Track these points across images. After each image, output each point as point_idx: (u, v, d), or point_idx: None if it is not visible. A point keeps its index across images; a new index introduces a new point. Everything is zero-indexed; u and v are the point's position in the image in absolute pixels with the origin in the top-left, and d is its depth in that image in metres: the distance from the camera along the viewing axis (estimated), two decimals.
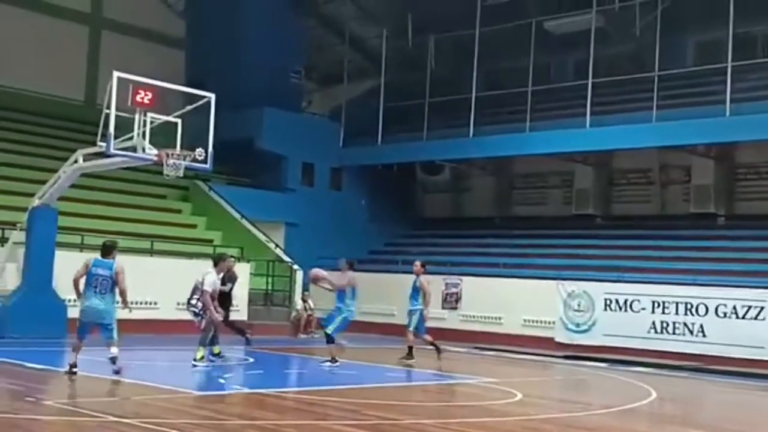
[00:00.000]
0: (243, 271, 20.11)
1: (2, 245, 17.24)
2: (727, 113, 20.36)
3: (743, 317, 17.69)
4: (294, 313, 21.67)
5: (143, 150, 14.03)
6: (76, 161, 15.60)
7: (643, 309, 19.01)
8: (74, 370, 10.65)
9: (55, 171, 16.43)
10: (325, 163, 27.21)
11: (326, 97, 30.74)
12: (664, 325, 18.63)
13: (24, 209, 16.96)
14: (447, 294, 22.41)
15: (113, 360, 10.71)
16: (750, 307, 17.63)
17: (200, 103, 14.67)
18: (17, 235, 17.05)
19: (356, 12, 29.68)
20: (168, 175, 14.34)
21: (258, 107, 25.58)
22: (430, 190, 29.72)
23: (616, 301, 19.40)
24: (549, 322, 20.36)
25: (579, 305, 19.98)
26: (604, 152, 24.02)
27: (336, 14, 29.87)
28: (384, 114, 26.83)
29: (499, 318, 21.30)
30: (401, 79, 27.73)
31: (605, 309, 19.29)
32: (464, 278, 22.33)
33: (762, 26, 22.67)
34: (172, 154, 14.12)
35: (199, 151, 14.24)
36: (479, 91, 24.80)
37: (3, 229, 17.68)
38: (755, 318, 17.54)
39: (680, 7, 22.54)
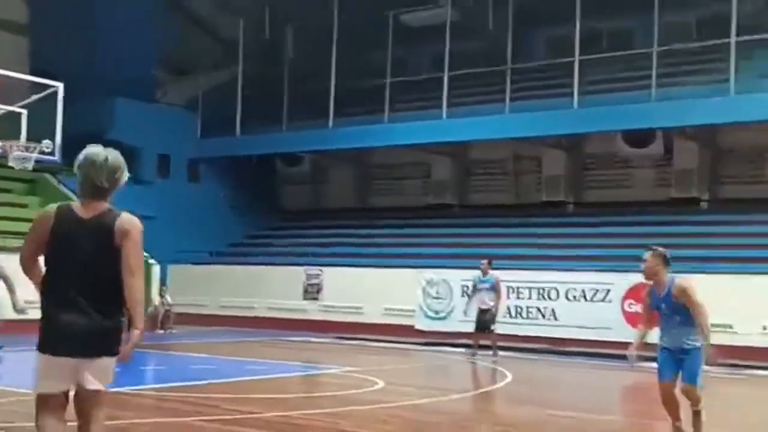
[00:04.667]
0: None
1: None
2: (575, 106, 21.24)
3: (591, 300, 18.48)
4: (151, 308, 21.10)
5: None
6: None
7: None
8: None
9: None
10: (182, 154, 26.61)
11: (182, 87, 30.03)
12: (518, 309, 19.23)
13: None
14: (308, 285, 22.38)
15: None
16: (597, 291, 18.43)
17: (48, 92, 14.05)
18: None
19: (213, 1, 29.13)
20: (15, 168, 13.64)
21: (109, 97, 24.69)
22: (290, 181, 29.57)
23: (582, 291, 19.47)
24: (409, 311, 20.66)
25: (437, 293, 20.37)
26: (459, 143, 24.57)
27: (193, 3, 29.24)
28: (243, 105, 26.50)
29: (360, 307, 21.44)
30: (260, 70, 27.46)
31: (462, 296, 19.74)
32: (325, 269, 22.36)
33: (607, 22, 23.71)
34: (18, 146, 13.46)
35: (47, 142, 13.63)
36: (338, 83, 24.84)
37: None
38: (602, 300, 18.35)
39: (532, 3, 23.31)
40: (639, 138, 22.30)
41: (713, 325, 7.38)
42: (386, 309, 21.02)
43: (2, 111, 13.33)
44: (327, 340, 19.34)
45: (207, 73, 28.33)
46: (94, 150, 4.50)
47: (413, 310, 20.66)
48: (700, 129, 21.50)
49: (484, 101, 23.41)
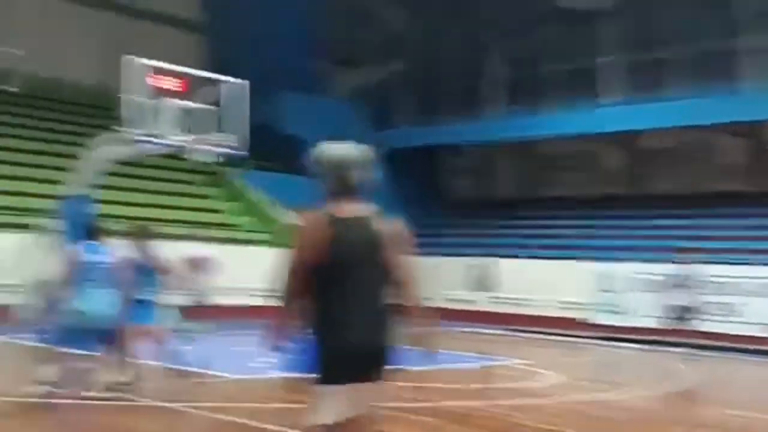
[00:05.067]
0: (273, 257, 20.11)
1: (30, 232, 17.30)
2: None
3: None
4: None
5: (170, 137, 14.01)
6: (101, 148, 15.62)
7: None
8: None
9: (73, 156, 16.47)
10: None
11: (349, 79, 30.60)
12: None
13: (49, 196, 17.01)
14: (478, 276, 22.32)
15: None
16: None
17: (231, 86, 14.62)
18: (46, 222, 17.11)
19: None
20: (199, 160, 14.37)
21: (280, 91, 25.49)
22: (456, 173, 29.55)
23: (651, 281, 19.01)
24: (582, 304, 20.14)
25: (613, 286, 19.75)
26: (633, 132, 23.75)
27: None
28: (406, 96, 26.68)
29: (531, 299, 21.12)
30: (425, 62, 27.55)
31: (644, 291, 18.94)
32: (494, 260, 22.17)
33: None
34: (203, 141, 14.14)
35: (230, 136, 14.24)
36: (505, 73, 24.58)
37: (30, 216, 17.76)
38: None
39: None
40: None
41: None
42: (559, 302, 20.57)
43: (190, 107, 14.01)
44: (497, 331, 19.22)
45: (373, 66, 28.71)
46: (345, 147, 4.10)
47: (587, 304, 20.14)
48: None
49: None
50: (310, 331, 3.92)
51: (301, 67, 26.63)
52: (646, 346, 16.16)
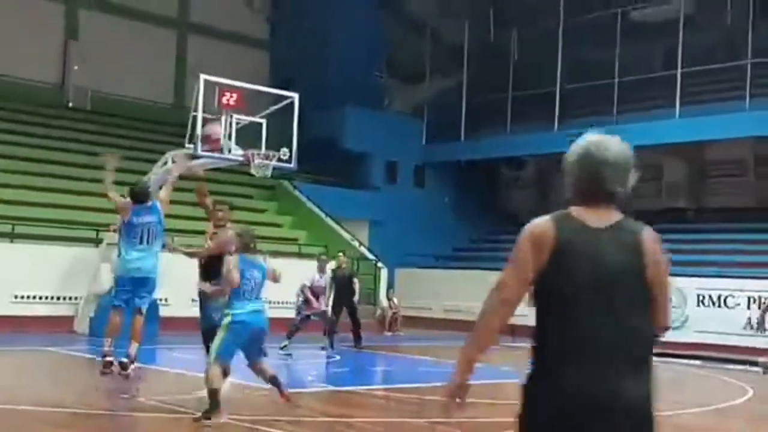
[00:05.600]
0: (327, 269, 20.25)
1: (97, 246, 17.71)
2: None
3: None
4: (379, 311, 21.71)
5: (230, 151, 14.24)
6: (166, 163, 15.93)
7: (738, 305, 18.39)
8: None
9: (145, 173, 16.80)
10: (408, 160, 27.20)
11: (408, 94, 30.71)
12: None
13: (115, 211, 17.35)
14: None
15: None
16: None
17: (284, 103, 14.88)
18: (111, 236, 17.49)
19: (437, 7, 29.54)
20: (256, 175, 14.55)
21: (341, 106, 25.72)
22: (514, 186, 29.37)
23: (710, 297, 18.81)
24: None
25: (671, 301, 19.41)
26: (694, 144, 23.33)
27: (417, 10, 29.79)
28: (467, 110, 26.64)
29: None
30: (484, 74, 27.48)
31: (698, 305, 18.73)
32: None
33: None
34: (258, 155, 14.32)
35: (284, 150, 14.40)
36: (564, 84, 24.38)
37: (97, 231, 18.17)
38: None
39: None
40: None
41: None
42: None
43: (246, 122, 14.23)
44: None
45: (432, 80, 28.76)
46: (606, 140, 3.24)
47: None
48: None
49: (721, 98, 22.07)
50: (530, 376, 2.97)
51: (362, 82, 26.83)
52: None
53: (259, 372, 8.16)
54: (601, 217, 3.04)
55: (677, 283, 18.89)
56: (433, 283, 23.81)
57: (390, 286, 22.58)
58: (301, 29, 27.46)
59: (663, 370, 15.89)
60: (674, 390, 14.05)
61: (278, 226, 23.60)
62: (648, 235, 3.04)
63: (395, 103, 30.44)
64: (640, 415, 2.85)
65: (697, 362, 16.70)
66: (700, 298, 18.99)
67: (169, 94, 27.31)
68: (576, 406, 2.79)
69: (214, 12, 28.00)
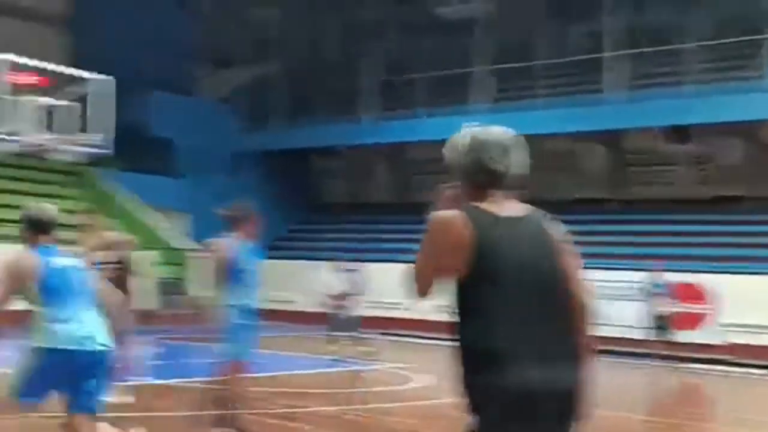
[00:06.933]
0: (145, 259, 19.54)
1: None
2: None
3: None
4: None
5: (30, 135, 13.41)
6: None
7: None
8: None
9: None
10: (221, 148, 26.68)
11: (220, 81, 30.14)
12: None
13: None
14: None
15: None
16: None
17: (96, 83, 14.16)
18: None
19: None
20: (62, 161, 13.80)
21: (148, 90, 24.80)
22: (327, 176, 29.53)
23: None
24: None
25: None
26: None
27: None
28: (280, 98, 26.49)
29: (402, 303, 21.21)
30: (298, 64, 27.44)
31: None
32: (366, 264, 22.18)
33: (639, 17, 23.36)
34: (66, 140, 13.59)
35: (95, 135, 13.74)
36: (373, 75, 24.81)
37: None
38: None
39: None
40: None
41: None
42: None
43: (54, 105, 13.44)
44: (371, 336, 19.24)
45: (245, 67, 28.38)
46: (493, 130, 3.12)
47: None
48: None
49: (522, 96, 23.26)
50: (455, 363, 2.94)
51: (172, 68, 25.99)
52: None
53: None
54: (506, 208, 3.01)
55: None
56: None
57: None
58: (105, 9, 26.14)
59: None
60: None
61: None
62: (554, 224, 3.08)
63: (207, 90, 29.77)
64: (576, 397, 2.96)
65: None
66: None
67: None
68: (523, 399, 2.83)
69: None
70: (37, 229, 5.43)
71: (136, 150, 24.99)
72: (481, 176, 3.02)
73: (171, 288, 22.17)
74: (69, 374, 5.06)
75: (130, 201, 22.99)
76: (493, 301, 2.88)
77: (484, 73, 23.30)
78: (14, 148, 14.37)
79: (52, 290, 5.14)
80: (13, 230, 18.26)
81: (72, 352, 5.02)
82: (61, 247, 5.50)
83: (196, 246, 22.35)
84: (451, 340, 2.95)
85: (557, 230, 3.08)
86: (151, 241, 21.87)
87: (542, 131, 22.19)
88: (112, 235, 10.15)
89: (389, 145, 25.97)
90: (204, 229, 23.67)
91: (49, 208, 5.61)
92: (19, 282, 5.14)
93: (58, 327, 5.05)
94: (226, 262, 7.48)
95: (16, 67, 13.05)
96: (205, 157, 26.39)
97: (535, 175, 3.90)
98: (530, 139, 3.46)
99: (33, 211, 5.57)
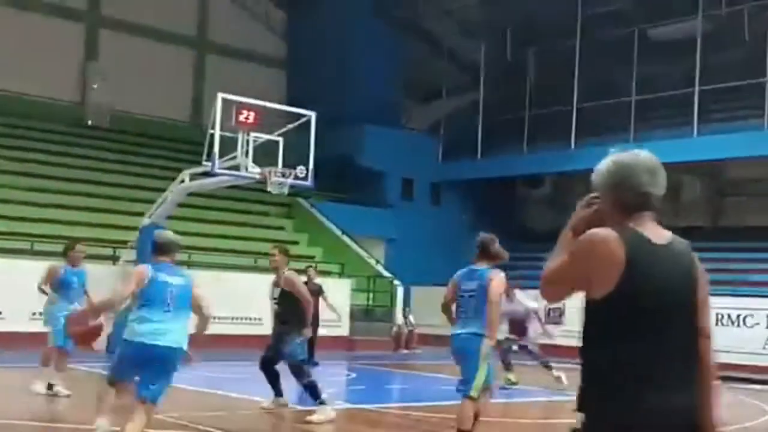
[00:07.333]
0: (344, 286, 20.30)
1: (114, 264, 17.80)
2: None
3: None
4: (395, 329, 21.66)
5: (246, 169, 14.32)
6: (182, 181, 16.01)
7: (757, 324, 18.26)
8: None
9: (162, 190, 16.88)
10: (425, 178, 27.21)
11: (425, 112, 30.77)
12: None
13: (132, 228, 17.45)
14: (550, 309, 21.97)
15: None
16: None
17: (301, 121, 14.97)
18: (128, 254, 17.58)
19: (455, 26, 29.62)
20: (273, 192, 14.63)
21: (358, 124, 25.78)
22: (531, 203, 29.31)
23: (728, 316, 18.67)
24: None
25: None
26: (712, 162, 23.21)
27: (434, 29, 29.89)
28: (484, 128, 26.64)
29: None
30: (501, 93, 27.51)
31: (716, 324, 18.58)
32: None
33: None
34: (275, 172, 14.39)
35: (300, 168, 14.46)
36: (581, 103, 24.34)
37: (114, 248, 18.26)
38: None
39: None
40: None
41: None
42: None
43: (263, 140, 14.33)
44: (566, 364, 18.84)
45: (449, 98, 28.82)
46: (645, 154, 3.13)
47: None
48: None
49: (740, 117, 21.97)
50: (586, 385, 2.88)
51: (381, 102, 26.86)
52: None
53: None
54: (656, 233, 2.95)
55: None
56: None
57: (406, 303, 22.53)
58: (318, 49, 27.57)
59: None
60: None
61: (295, 243, 23.64)
62: (694, 254, 3.02)
63: (412, 122, 30.50)
64: (707, 427, 2.93)
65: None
66: (719, 317, 18.84)
67: (186, 112, 27.50)
68: (652, 426, 2.80)
69: (232, 31, 28.20)
70: (156, 249, 6.51)
71: (345, 181, 26.07)
72: (630, 198, 2.99)
73: (374, 315, 22.79)
74: (141, 363, 6.17)
75: (338, 230, 23.88)
76: (636, 324, 2.82)
77: (696, 95, 22.25)
78: (234, 181, 15.37)
79: (148, 297, 6.22)
80: (235, 260, 19.32)
81: (144, 344, 6.12)
82: (174, 266, 6.46)
83: (394, 274, 22.91)
84: (582, 363, 2.90)
85: (697, 260, 3.01)
86: (356, 269, 22.62)
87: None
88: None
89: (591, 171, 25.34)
90: (407, 258, 24.32)
91: (169, 235, 6.71)
92: (135, 286, 6.28)
93: (142, 325, 6.18)
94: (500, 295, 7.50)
95: (239, 106, 14.06)
96: (408, 187, 27.01)
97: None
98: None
99: (156, 235, 6.74)
